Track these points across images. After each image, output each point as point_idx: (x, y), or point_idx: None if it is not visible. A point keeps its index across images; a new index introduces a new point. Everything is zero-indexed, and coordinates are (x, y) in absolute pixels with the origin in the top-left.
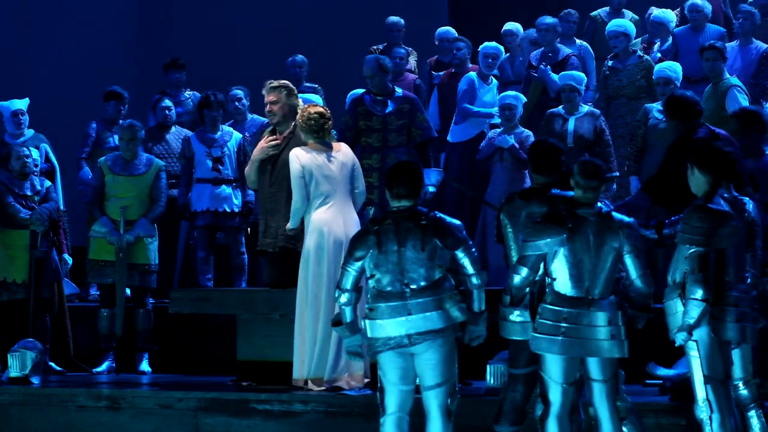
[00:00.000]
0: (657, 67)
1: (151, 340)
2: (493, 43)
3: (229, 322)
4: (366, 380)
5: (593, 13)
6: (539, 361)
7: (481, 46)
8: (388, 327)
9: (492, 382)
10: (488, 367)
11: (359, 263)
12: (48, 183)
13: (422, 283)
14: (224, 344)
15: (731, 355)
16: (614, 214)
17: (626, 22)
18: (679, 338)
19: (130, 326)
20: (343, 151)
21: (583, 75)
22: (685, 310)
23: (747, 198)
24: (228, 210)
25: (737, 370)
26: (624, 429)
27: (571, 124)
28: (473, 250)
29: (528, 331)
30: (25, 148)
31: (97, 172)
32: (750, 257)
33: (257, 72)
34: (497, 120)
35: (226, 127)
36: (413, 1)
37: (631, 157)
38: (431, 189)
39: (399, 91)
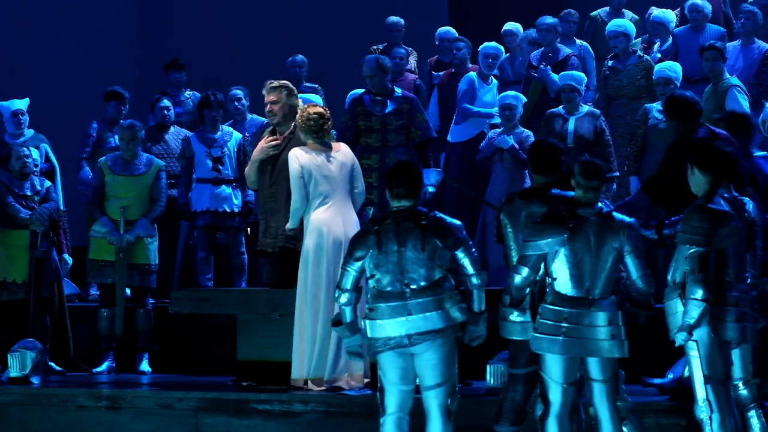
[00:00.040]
0: (657, 67)
1: (151, 340)
2: (493, 43)
3: (229, 322)
4: (366, 380)
5: (593, 13)
6: (539, 361)
7: (481, 46)
8: (388, 327)
9: (492, 382)
10: (488, 367)
11: (359, 263)
12: (48, 183)
13: (422, 284)
14: (224, 344)
15: (731, 355)
16: (615, 214)
17: (626, 22)
18: (679, 338)
19: (130, 326)
20: (342, 151)
21: (583, 75)
22: (685, 310)
23: (747, 198)
24: (228, 210)
25: (737, 370)
26: (624, 429)
27: (571, 124)
28: (473, 250)
29: (528, 331)
30: (25, 148)
31: (97, 172)
32: (750, 257)
33: (257, 72)
34: (497, 120)
35: (226, 127)
36: (413, 1)
37: (631, 157)
38: (430, 189)
39: (398, 91)
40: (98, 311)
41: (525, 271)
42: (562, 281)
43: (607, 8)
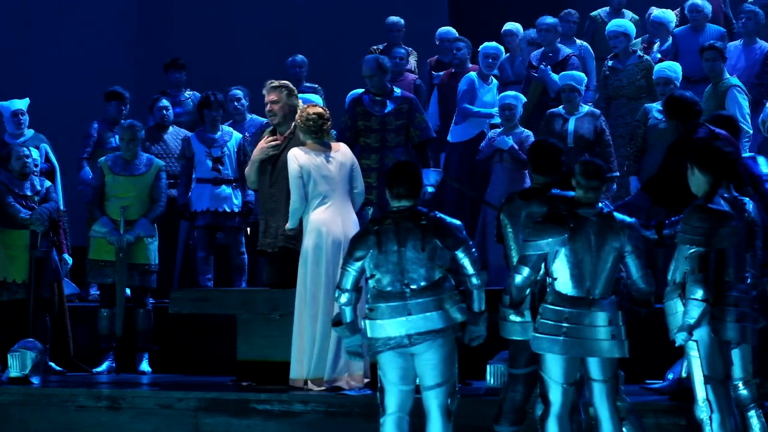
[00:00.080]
0: (657, 67)
1: (151, 340)
2: (493, 43)
3: (229, 322)
4: (366, 380)
5: (593, 13)
6: (539, 361)
7: (481, 46)
8: (388, 327)
9: (492, 382)
10: (488, 367)
11: (359, 263)
12: (48, 183)
13: (422, 284)
14: (224, 344)
15: (731, 355)
16: (616, 214)
17: (626, 22)
18: (680, 338)
19: (130, 326)
20: (341, 151)
21: (583, 75)
22: (685, 310)
23: (747, 198)
24: (228, 210)
25: (737, 370)
26: (624, 429)
27: (571, 124)
28: (473, 250)
29: (528, 331)
30: (25, 148)
31: (98, 172)
32: (750, 257)
33: (257, 72)
34: (497, 120)
35: (226, 127)
36: (413, 1)
37: (631, 157)
38: (430, 189)
39: (398, 91)
40: (98, 311)
41: (526, 270)
42: (563, 281)
43: (607, 8)
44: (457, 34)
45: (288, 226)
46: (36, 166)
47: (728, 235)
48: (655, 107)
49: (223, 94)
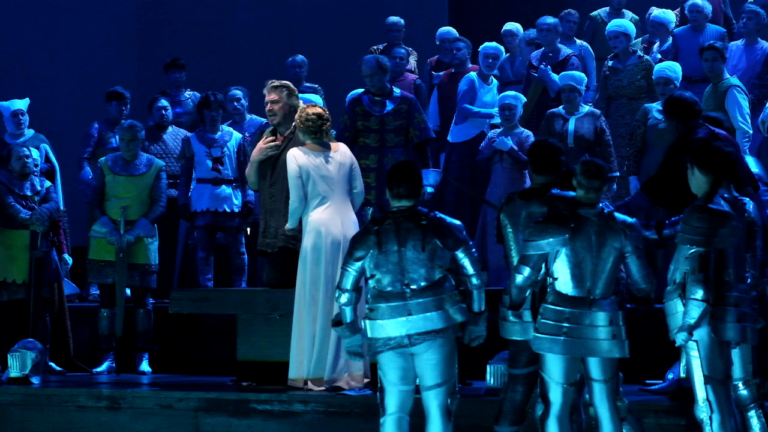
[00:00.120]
0: (657, 67)
1: (151, 340)
2: (494, 43)
3: (229, 322)
4: (366, 380)
5: (593, 13)
6: (540, 361)
7: (481, 46)
8: (389, 327)
9: (492, 382)
10: (488, 367)
11: (359, 263)
12: (48, 183)
13: (422, 284)
14: (224, 344)
15: (731, 355)
16: (616, 214)
17: (626, 22)
18: (680, 338)
19: (130, 326)
20: (341, 151)
21: (583, 75)
22: (685, 311)
23: (747, 198)
24: (228, 210)
25: (737, 370)
26: (623, 429)
27: (571, 125)
28: (473, 250)
29: (528, 331)
30: (25, 148)
31: (98, 172)
32: (750, 257)
33: (257, 72)
34: (497, 120)
35: (226, 127)
36: (413, 1)
37: (631, 157)
38: (429, 190)
39: (397, 91)
40: (98, 311)
41: (527, 270)
42: (563, 281)
43: (607, 8)
44: (457, 34)
45: (287, 226)
46: (36, 166)
47: (728, 236)
48: (655, 107)
49: (222, 94)
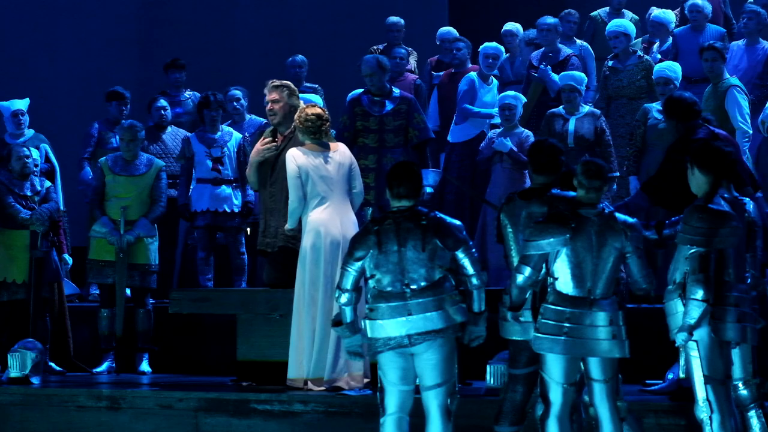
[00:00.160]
0: (657, 67)
1: (151, 340)
2: (494, 43)
3: (229, 322)
4: (366, 380)
5: (593, 13)
6: (540, 361)
7: (481, 46)
8: (389, 327)
9: (492, 382)
10: (488, 367)
11: (359, 263)
12: (48, 183)
13: (422, 284)
14: (224, 344)
15: (731, 355)
16: (617, 214)
17: (626, 22)
18: (680, 338)
19: (130, 326)
20: (340, 151)
21: (583, 75)
22: (685, 311)
23: (747, 198)
24: (228, 210)
25: (737, 370)
26: (623, 429)
27: (571, 125)
28: (473, 250)
29: (528, 331)
30: (25, 148)
31: (98, 172)
32: (750, 257)
33: (257, 72)
34: (497, 120)
35: (226, 127)
36: (413, 1)
37: (631, 157)
38: (429, 190)
39: (396, 91)
40: (98, 311)
41: (527, 270)
42: (564, 281)
43: (607, 8)
44: (457, 34)
45: (287, 226)
46: (36, 166)
47: (728, 236)
48: (655, 107)
49: (222, 94)
